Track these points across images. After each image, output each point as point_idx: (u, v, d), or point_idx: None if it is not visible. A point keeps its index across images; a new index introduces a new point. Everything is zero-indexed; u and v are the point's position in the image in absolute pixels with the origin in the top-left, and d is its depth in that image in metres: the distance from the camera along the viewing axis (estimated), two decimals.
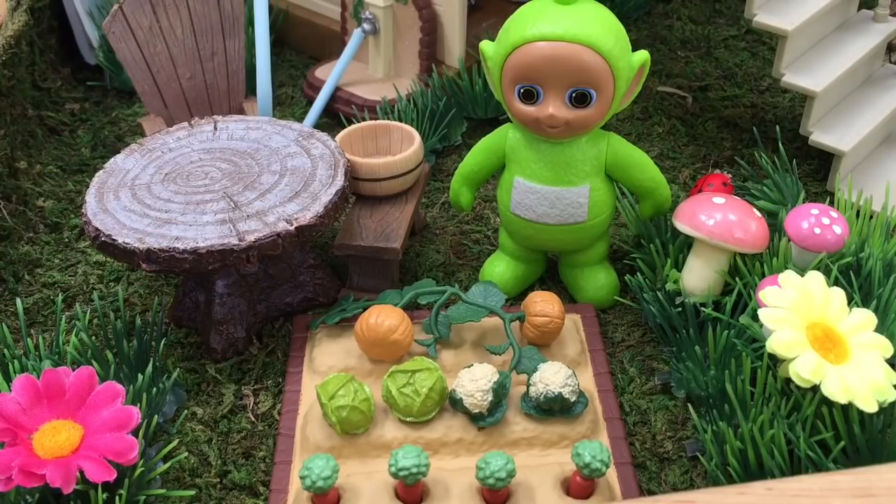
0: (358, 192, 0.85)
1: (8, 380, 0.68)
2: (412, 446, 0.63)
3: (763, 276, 0.73)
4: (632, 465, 0.68)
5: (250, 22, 1.06)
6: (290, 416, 0.72)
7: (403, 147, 0.88)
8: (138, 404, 0.67)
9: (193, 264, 0.70)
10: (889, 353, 0.64)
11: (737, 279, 0.74)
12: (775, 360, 0.67)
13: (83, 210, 0.75)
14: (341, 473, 0.67)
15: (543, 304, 0.75)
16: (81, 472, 0.59)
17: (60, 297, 0.77)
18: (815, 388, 0.62)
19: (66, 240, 0.92)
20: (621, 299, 0.82)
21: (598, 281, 0.82)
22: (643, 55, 0.73)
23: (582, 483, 0.64)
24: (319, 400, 0.68)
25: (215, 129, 0.85)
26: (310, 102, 1.09)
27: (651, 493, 0.68)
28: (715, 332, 0.72)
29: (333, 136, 0.85)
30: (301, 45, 1.23)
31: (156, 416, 0.68)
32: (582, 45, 0.69)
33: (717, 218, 0.73)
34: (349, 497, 0.65)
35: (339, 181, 0.77)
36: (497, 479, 0.62)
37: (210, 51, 0.95)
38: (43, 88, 1.11)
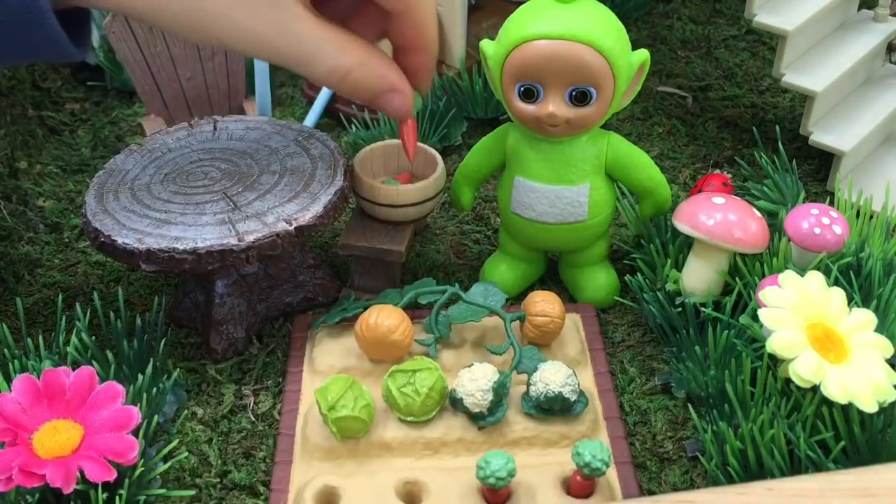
0: (371, 215, 0.82)
1: (8, 380, 0.68)
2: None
3: (763, 276, 0.73)
4: (632, 464, 0.68)
5: None
6: (291, 416, 0.72)
7: (426, 171, 0.83)
8: (138, 404, 0.67)
9: (193, 264, 0.70)
10: (889, 353, 0.64)
11: (737, 279, 0.74)
12: (775, 360, 0.67)
13: (83, 210, 0.75)
14: (341, 473, 0.67)
15: (544, 303, 0.75)
16: (81, 472, 0.59)
17: (60, 297, 0.77)
18: (815, 388, 0.62)
19: (66, 240, 0.92)
20: (621, 299, 0.82)
21: (598, 281, 0.82)
22: (643, 54, 0.73)
23: (582, 482, 0.64)
24: (319, 408, 0.68)
25: (215, 129, 0.85)
26: (310, 102, 1.09)
27: (651, 493, 0.68)
28: (715, 332, 0.72)
29: (334, 137, 0.84)
30: None
31: (156, 416, 0.68)
32: (582, 44, 0.69)
33: (717, 218, 0.73)
34: (350, 497, 0.65)
35: (339, 181, 0.77)
36: (497, 478, 0.62)
37: (210, 51, 0.95)
38: (43, 88, 1.11)
